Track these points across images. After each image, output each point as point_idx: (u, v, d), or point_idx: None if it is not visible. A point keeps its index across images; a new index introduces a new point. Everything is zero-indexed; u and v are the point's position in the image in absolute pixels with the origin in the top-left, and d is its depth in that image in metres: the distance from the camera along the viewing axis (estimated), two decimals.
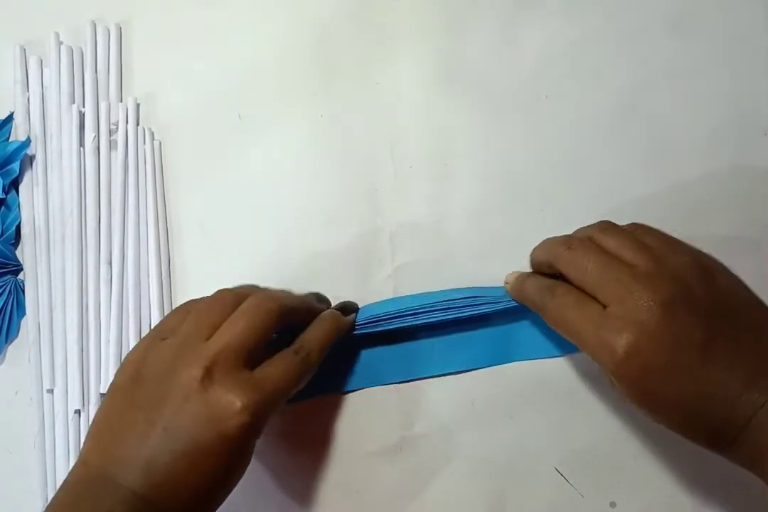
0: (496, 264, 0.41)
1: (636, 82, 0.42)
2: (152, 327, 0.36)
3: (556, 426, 0.40)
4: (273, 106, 0.44)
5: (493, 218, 0.42)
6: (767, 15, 0.42)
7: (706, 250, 0.40)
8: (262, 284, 0.41)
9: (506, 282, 0.39)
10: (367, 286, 0.41)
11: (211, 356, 0.32)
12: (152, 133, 0.44)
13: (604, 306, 0.32)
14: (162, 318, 0.36)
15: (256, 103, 0.44)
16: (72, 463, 0.40)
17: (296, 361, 0.34)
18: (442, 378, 0.40)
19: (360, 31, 0.44)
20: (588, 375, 0.39)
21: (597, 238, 0.34)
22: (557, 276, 0.35)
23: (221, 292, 0.36)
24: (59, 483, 0.40)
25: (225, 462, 0.32)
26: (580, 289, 0.33)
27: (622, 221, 0.41)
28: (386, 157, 0.43)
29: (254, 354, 0.33)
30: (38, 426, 0.41)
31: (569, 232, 0.41)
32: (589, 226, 0.36)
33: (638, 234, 0.34)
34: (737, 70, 0.42)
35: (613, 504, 0.39)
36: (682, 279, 0.32)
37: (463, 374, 0.40)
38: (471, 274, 0.41)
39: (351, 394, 0.40)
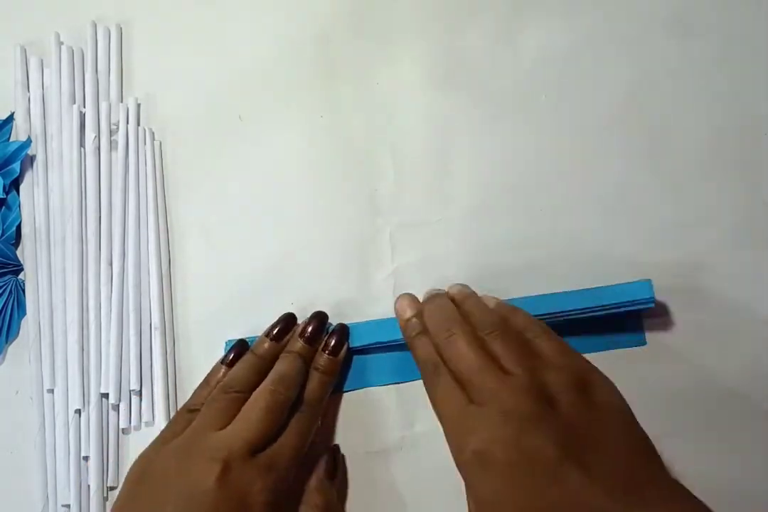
0: (496, 264, 0.41)
1: (636, 82, 0.42)
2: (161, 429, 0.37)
3: None
4: (273, 106, 0.44)
5: (493, 218, 0.42)
6: (767, 15, 0.42)
7: (705, 250, 0.40)
8: (261, 284, 0.42)
9: (396, 310, 0.39)
10: (367, 286, 0.41)
11: (226, 448, 0.33)
12: (153, 133, 0.44)
13: (472, 402, 0.32)
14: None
15: (256, 103, 0.44)
16: (72, 463, 0.40)
17: (302, 419, 0.36)
18: None
19: (360, 31, 0.44)
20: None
21: (487, 337, 0.34)
22: None
23: (222, 385, 0.36)
24: (59, 483, 0.40)
25: None
26: (456, 376, 0.34)
27: (620, 221, 0.41)
28: (386, 156, 0.43)
29: (266, 439, 0.34)
30: (38, 426, 0.41)
31: (569, 231, 0.41)
32: (483, 311, 0.36)
33: (531, 336, 0.35)
34: (737, 70, 0.42)
35: None
36: (550, 396, 0.31)
37: None
38: (471, 274, 0.41)
39: (351, 394, 0.40)
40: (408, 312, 0.38)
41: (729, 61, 0.42)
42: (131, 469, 0.35)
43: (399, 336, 0.38)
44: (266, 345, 0.38)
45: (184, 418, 0.36)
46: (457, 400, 0.33)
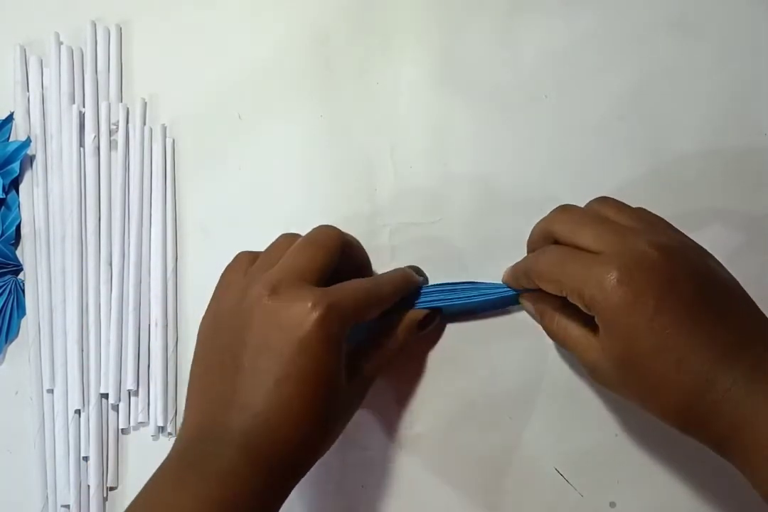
0: (496, 264, 0.41)
1: (636, 82, 0.42)
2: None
3: (556, 426, 0.40)
4: (273, 106, 0.44)
5: (493, 218, 0.42)
6: (767, 15, 0.42)
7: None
8: None
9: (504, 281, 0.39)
10: None
11: (276, 276, 0.33)
12: (165, 130, 0.44)
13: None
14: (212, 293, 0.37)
15: (256, 103, 0.44)
16: (72, 463, 0.40)
17: (368, 286, 0.35)
18: (442, 378, 0.40)
19: (360, 31, 0.44)
20: (587, 376, 0.39)
21: (595, 207, 0.35)
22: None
23: (282, 236, 0.36)
24: (59, 483, 0.40)
25: (319, 367, 0.31)
26: (573, 245, 0.33)
27: None
28: (386, 157, 0.43)
29: (318, 277, 0.33)
30: (38, 426, 0.41)
31: None
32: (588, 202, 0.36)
33: (637, 209, 0.35)
34: (737, 70, 0.42)
35: (612, 504, 0.39)
36: (677, 240, 0.33)
37: (463, 374, 0.40)
38: (471, 274, 0.41)
39: None
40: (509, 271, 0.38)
41: (729, 61, 0.42)
42: (207, 309, 0.36)
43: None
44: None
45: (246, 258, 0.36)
46: (582, 255, 0.32)
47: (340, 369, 0.33)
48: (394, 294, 0.37)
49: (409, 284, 0.38)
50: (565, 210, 0.35)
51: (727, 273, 0.33)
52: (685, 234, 0.34)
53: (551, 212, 0.36)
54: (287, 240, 0.36)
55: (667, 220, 0.35)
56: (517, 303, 0.39)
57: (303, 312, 0.31)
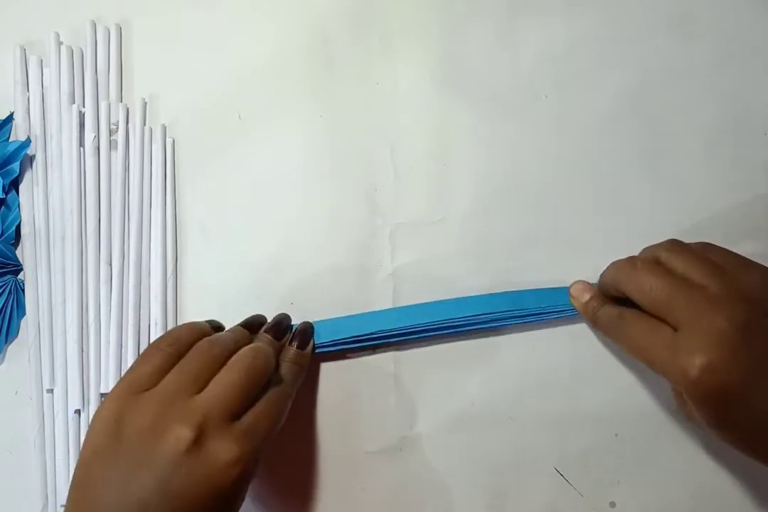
0: (495, 264, 0.41)
1: (636, 82, 0.42)
2: (127, 368, 0.35)
3: (556, 427, 0.40)
4: (273, 106, 0.44)
5: (493, 218, 0.42)
6: (767, 15, 0.42)
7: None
8: (261, 284, 0.42)
9: (572, 297, 0.39)
10: (367, 286, 0.41)
11: (202, 413, 0.32)
12: (164, 130, 0.44)
13: (676, 329, 0.32)
14: (133, 361, 0.35)
15: (256, 103, 0.44)
16: (72, 463, 0.40)
17: (278, 393, 0.35)
18: (442, 378, 0.40)
19: (359, 32, 0.44)
20: (587, 376, 0.39)
21: (664, 259, 0.35)
22: (625, 299, 0.35)
23: (203, 344, 0.35)
24: (59, 483, 0.40)
25: (222, 508, 0.32)
26: (650, 313, 0.33)
27: (620, 220, 0.41)
28: (386, 157, 0.43)
29: (244, 406, 0.33)
30: (38, 426, 0.41)
31: (568, 232, 0.41)
32: (655, 245, 0.36)
33: (705, 252, 0.35)
34: (737, 70, 0.42)
35: (612, 504, 0.39)
36: (754, 300, 0.32)
37: (462, 374, 0.40)
38: (471, 274, 0.41)
39: (351, 394, 0.40)
40: (586, 295, 0.38)
41: (729, 61, 0.42)
42: (103, 412, 0.33)
43: (372, 329, 0.39)
44: (239, 330, 0.38)
45: (156, 358, 0.34)
46: (661, 333, 0.32)
47: (241, 502, 0.33)
48: (293, 388, 0.37)
49: (298, 376, 0.38)
50: (633, 268, 0.35)
51: None
52: (759, 264, 0.34)
53: (617, 266, 0.37)
54: (212, 354, 0.34)
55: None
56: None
57: (224, 467, 0.31)
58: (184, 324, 0.37)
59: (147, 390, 0.33)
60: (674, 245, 0.35)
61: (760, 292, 0.32)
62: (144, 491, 0.30)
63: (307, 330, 0.39)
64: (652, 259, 0.35)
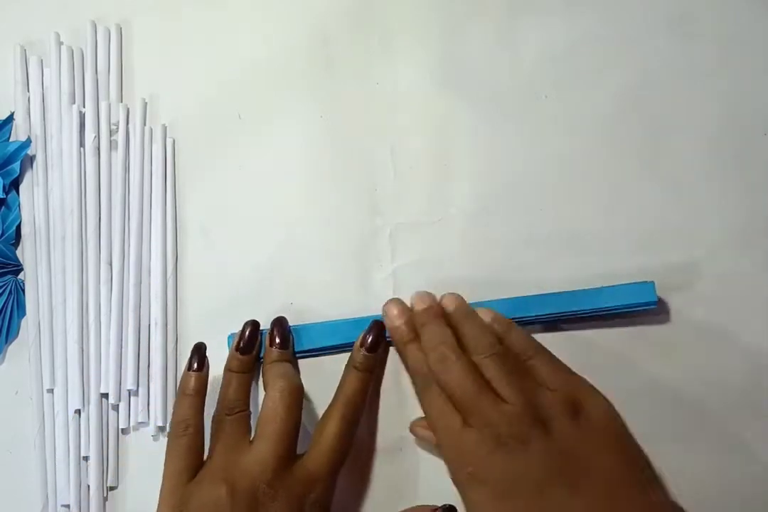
0: (495, 264, 0.41)
1: (636, 82, 0.42)
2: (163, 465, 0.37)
3: None
4: (273, 106, 0.44)
5: (493, 218, 0.42)
6: (767, 15, 0.42)
7: (705, 250, 0.40)
8: (261, 285, 0.42)
9: (385, 314, 0.39)
10: (367, 286, 0.41)
11: (264, 470, 0.34)
12: (165, 130, 0.44)
13: (465, 421, 0.35)
14: (164, 460, 0.37)
15: (256, 103, 0.44)
16: (72, 463, 0.40)
17: (336, 418, 0.37)
18: None
19: (359, 32, 0.44)
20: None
21: (481, 361, 0.36)
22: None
23: (221, 418, 0.37)
24: (59, 483, 0.40)
25: None
26: (449, 396, 0.35)
27: (620, 221, 0.41)
28: (386, 157, 0.43)
29: (293, 447, 0.36)
30: (38, 426, 0.41)
31: (568, 232, 0.41)
32: (478, 332, 0.37)
33: (525, 357, 0.36)
34: (737, 70, 0.42)
35: None
36: (543, 420, 0.34)
37: None
38: (471, 274, 0.41)
39: None
40: (397, 320, 0.38)
41: (729, 61, 0.42)
42: (165, 510, 0.35)
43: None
44: (237, 360, 0.38)
45: (181, 442, 0.36)
46: (452, 421, 0.35)
47: None
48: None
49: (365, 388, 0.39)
50: (446, 362, 0.36)
51: (605, 422, 0.35)
52: (576, 377, 0.37)
53: (424, 328, 0.38)
54: (229, 424, 0.37)
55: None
56: None
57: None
58: (181, 400, 0.38)
59: (192, 479, 0.36)
60: (492, 346, 0.36)
61: (554, 412, 0.34)
62: None
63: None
64: (464, 360, 0.36)
